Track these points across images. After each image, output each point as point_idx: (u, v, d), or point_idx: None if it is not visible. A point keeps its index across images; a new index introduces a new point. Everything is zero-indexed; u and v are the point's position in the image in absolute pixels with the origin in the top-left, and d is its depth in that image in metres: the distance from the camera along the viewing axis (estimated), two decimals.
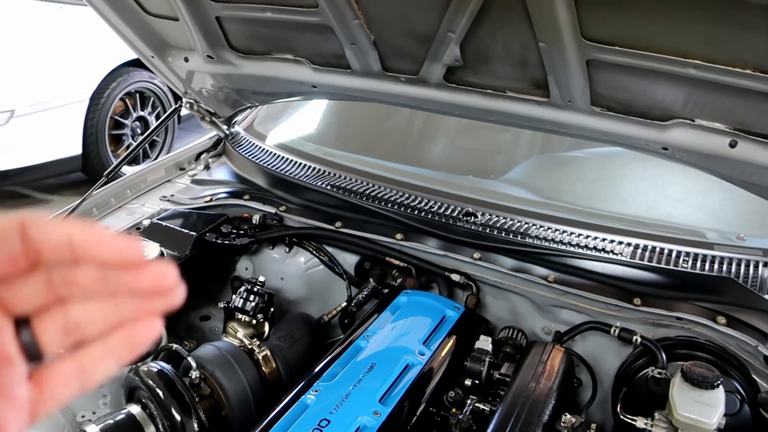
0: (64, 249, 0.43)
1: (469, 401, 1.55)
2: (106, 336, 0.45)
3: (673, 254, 1.87)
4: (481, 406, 1.53)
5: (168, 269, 0.44)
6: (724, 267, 1.83)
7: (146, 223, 2.12)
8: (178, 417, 1.49)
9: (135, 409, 1.51)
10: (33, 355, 0.45)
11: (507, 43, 1.64)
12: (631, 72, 1.54)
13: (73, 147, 4.85)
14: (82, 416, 1.67)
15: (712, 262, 1.84)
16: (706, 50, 1.40)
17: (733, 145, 1.60)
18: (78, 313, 0.45)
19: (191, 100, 2.41)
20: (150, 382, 1.52)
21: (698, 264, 1.84)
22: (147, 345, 0.46)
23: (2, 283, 0.44)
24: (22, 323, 0.45)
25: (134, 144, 5.23)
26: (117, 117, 5.17)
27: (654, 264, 1.85)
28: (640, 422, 1.55)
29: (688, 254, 1.87)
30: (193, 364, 1.60)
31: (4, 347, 0.44)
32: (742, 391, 1.60)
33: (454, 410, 1.55)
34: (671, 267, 1.84)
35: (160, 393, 1.50)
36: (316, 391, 1.50)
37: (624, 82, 1.60)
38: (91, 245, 0.43)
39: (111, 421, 1.47)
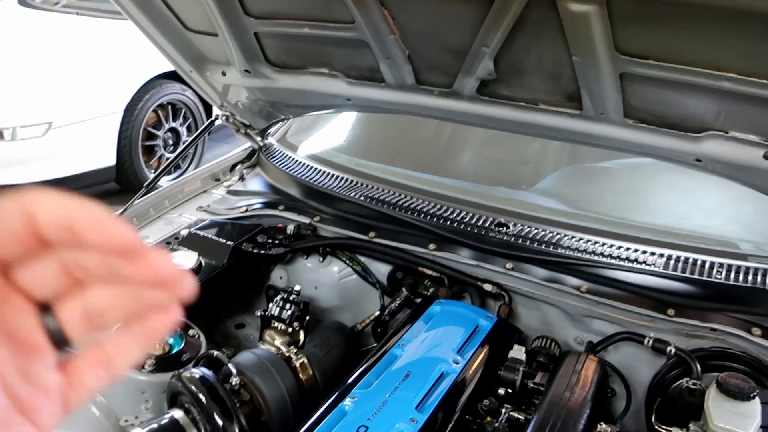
0: (65, 230, 0.41)
1: (504, 410, 1.57)
2: (127, 324, 0.44)
3: (707, 265, 1.87)
4: (517, 415, 1.54)
5: (165, 259, 0.42)
6: (759, 278, 1.82)
7: (184, 233, 2.18)
8: (220, 422, 1.53)
9: (178, 413, 1.56)
10: (59, 342, 0.44)
11: (540, 57, 1.67)
12: (664, 85, 1.56)
13: (108, 158, 4.97)
14: (125, 420, 1.72)
15: (746, 273, 1.84)
16: (741, 63, 1.42)
17: (767, 156, 1.61)
18: (97, 299, 0.43)
19: (227, 113, 2.47)
20: (193, 387, 1.56)
21: (732, 275, 1.84)
22: (167, 332, 0.45)
23: (17, 265, 0.42)
24: (45, 309, 0.44)
25: (167, 155, 5.36)
26: (150, 128, 5.28)
27: (687, 275, 1.85)
28: None
29: (721, 265, 1.87)
30: (234, 371, 1.64)
31: (32, 335, 0.43)
32: None
33: (489, 418, 1.57)
34: (705, 278, 1.84)
35: (203, 398, 1.54)
36: (353, 398, 1.53)
37: (657, 94, 1.62)
38: (89, 228, 0.40)
39: (155, 425, 1.52)
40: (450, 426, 1.53)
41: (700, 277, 1.84)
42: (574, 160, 2.61)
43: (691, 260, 1.90)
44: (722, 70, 1.44)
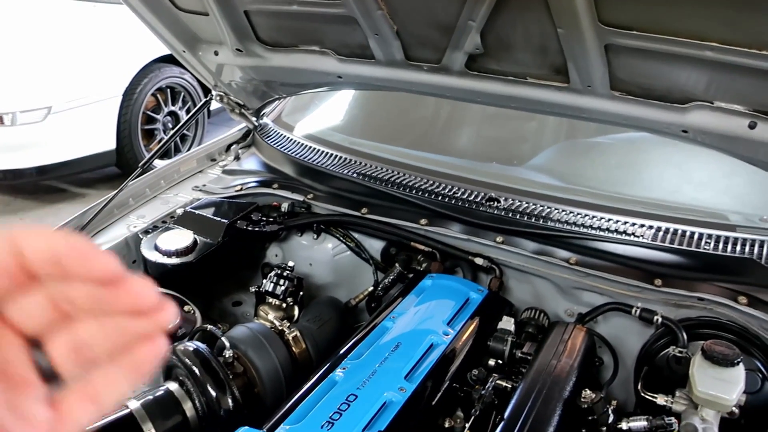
0: (51, 263, 0.43)
1: (491, 378, 1.59)
2: (114, 357, 0.45)
3: (695, 236, 1.89)
4: (504, 383, 1.57)
5: (146, 286, 0.44)
6: (747, 248, 1.84)
7: (180, 211, 2.20)
8: (213, 393, 1.56)
9: (173, 386, 1.59)
10: (49, 376, 0.45)
11: (526, 30, 1.68)
12: (649, 56, 1.56)
13: (108, 142, 5.00)
14: None
15: (735, 244, 1.86)
16: (724, 32, 1.42)
17: (752, 126, 1.61)
18: (84, 332, 0.44)
19: (221, 93, 2.48)
20: (187, 360, 1.59)
21: (720, 245, 1.86)
22: (155, 365, 0.46)
23: (7, 301, 0.44)
24: (35, 345, 0.45)
25: (166, 138, 5.37)
26: (149, 112, 5.30)
27: (676, 246, 1.87)
28: (660, 399, 1.58)
29: (710, 236, 1.89)
30: (227, 344, 1.67)
31: (22, 370, 0.44)
32: (763, 369, 1.62)
33: (477, 387, 1.60)
34: (693, 248, 1.85)
35: (197, 371, 1.57)
36: (344, 368, 1.56)
37: (642, 66, 1.62)
38: (73, 259, 0.42)
39: (150, 397, 1.55)
40: (438, 395, 1.56)
41: (689, 248, 1.86)
42: (570, 137, 2.62)
43: (680, 232, 1.91)
44: (705, 39, 1.44)
